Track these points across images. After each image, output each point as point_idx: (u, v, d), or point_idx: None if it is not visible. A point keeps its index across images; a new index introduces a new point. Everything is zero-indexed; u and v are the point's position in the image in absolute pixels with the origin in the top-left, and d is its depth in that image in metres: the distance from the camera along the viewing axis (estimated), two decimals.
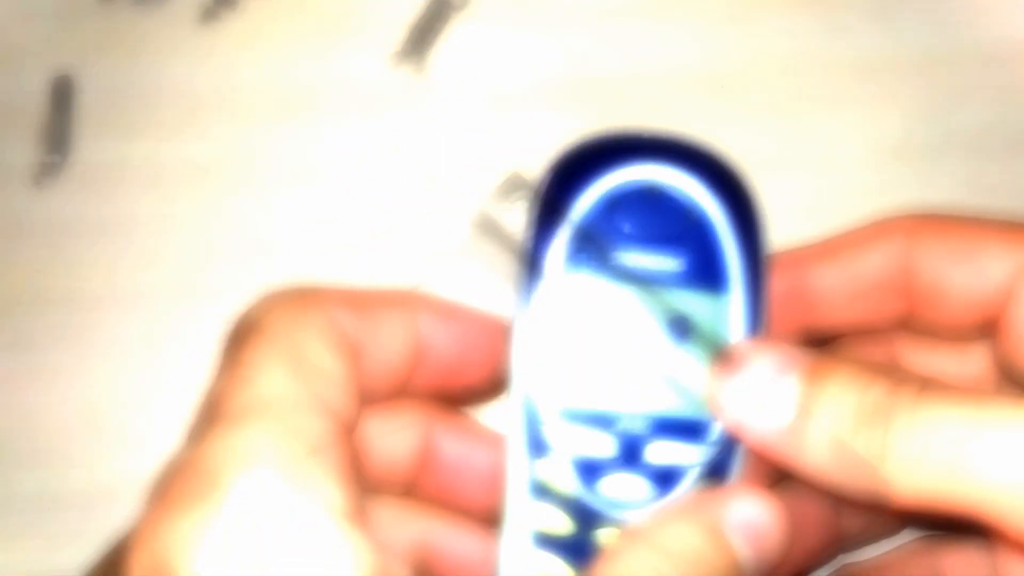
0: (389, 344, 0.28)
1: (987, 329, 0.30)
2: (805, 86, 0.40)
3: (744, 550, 0.27)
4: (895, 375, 0.26)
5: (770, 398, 0.27)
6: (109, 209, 0.39)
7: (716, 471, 0.28)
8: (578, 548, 0.28)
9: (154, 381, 0.37)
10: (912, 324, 0.32)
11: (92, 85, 0.40)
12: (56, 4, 0.41)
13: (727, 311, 0.28)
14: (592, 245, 0.28)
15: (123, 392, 0.37)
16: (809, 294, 0.31)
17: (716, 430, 0.28)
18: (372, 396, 0.28)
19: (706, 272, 0.28)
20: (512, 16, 0.41)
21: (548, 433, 0.27)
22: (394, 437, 0.31)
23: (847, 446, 0.26)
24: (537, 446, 0.28)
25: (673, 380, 0.28)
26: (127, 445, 0.36)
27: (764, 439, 0.27)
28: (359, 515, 0.24)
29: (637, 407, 0.28)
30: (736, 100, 0.40)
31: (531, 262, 0.28)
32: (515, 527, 0.28)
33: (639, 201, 0.28)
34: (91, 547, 0.35)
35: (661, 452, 0.28)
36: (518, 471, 0.28)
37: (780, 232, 0.39)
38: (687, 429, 0.28)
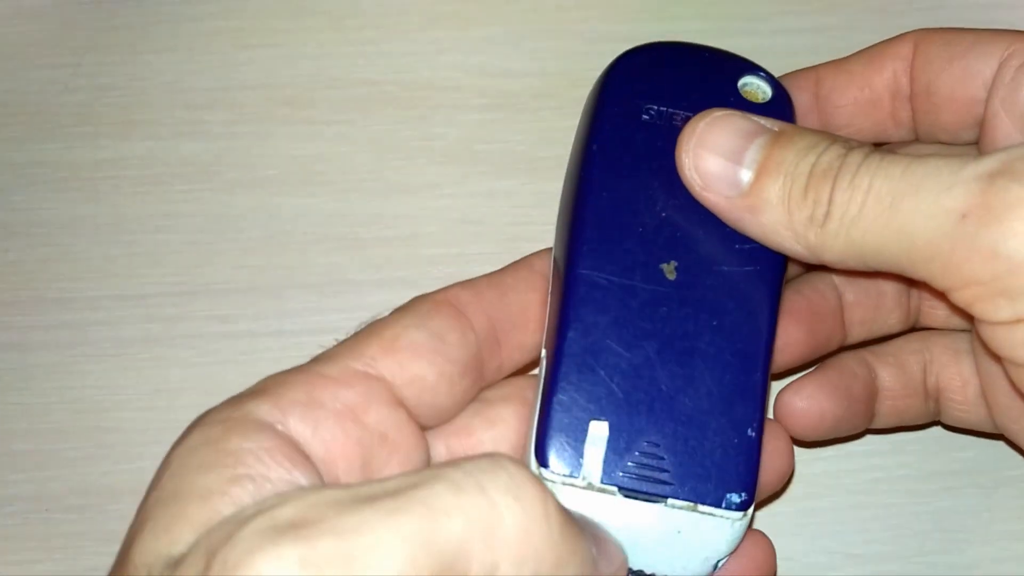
0: (524, 310, 0.30)
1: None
2: None
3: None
4: (851, 141, 0.28)
5: (734, 160, 0.29)
6: (109, 209, 0.39)
7: None
8: None
9: (153, 381, 0.37)
10: (919, 133, 0.33)
11: (91, 84, 0.40)
12: (56, 4, 0.41)
13: None
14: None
15: (122, 392, 0.37)
16: (826, 106, 0.33)
17: None
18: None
19: None
20: (511, 16, 0.41)
21: None
22: None
23: (796, 204, 0.28)
24: None
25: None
26: (126, 445, 0.36)
27: (724, 202, 0.29)
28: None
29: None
30: None
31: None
32: None
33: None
34: (89, 549, 0.35)
35: None
36: None
37: None
38: None
